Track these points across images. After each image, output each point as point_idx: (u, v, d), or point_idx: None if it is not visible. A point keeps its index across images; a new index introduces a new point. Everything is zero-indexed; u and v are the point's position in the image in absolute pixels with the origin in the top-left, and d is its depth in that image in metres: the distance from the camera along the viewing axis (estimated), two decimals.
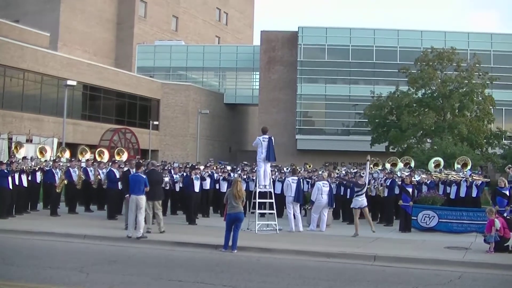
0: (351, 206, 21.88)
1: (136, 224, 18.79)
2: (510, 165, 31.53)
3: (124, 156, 32.61)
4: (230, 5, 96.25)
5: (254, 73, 73.91)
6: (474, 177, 26.82)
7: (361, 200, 21.55)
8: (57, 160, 27.16)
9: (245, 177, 28.21)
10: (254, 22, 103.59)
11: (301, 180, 23.91)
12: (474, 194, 26.30)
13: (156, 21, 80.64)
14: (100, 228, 20.65)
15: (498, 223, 17.89)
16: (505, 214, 20.02)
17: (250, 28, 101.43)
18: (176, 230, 20.84)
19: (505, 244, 17.82)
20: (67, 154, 30.98)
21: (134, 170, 21.08)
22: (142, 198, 19.01)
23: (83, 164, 28.09)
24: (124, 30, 77.44)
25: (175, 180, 26.07)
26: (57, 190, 25.33)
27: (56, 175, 25.38)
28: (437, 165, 30.77)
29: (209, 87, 74.48)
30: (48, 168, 25.81)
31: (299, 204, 22.92)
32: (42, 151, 28.76)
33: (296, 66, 66.21)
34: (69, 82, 39.38)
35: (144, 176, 19.44)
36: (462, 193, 26.39)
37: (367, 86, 61.67)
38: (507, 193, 22.57)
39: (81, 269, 13.66)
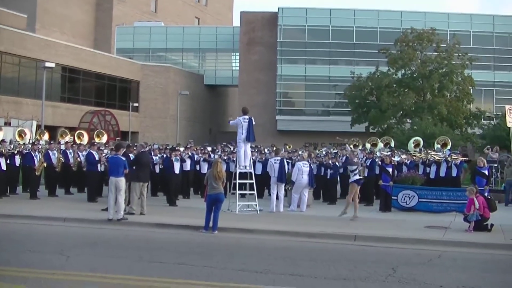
0: (351, 181, 21.25)
1: (116, 206, 18.73)
2: (489, 146, 31.83)
3: (104, 138, 32.48)
4: None
5: (234, 54, 73.72)
6: (453, 157, 26.96)
7: (359, 178, 21.39)
8: (36, 143, 26.94)
9: (225, 158, 28.19)
10: (234, 3, 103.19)
11: (284, 160, 23.90)
12: (454, 173, 26.41)
13: (135, 2, 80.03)
14: (80, 211, 20.54)
15: (477, 203, 18.02)
16: (485, 194, 20.19)
17: (229, 9, 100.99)
18: (157, 211, 20.78)
19: (484, 223, 17.96)
20: (46, 137, 30.74)
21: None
22: (122, 180, 18.92)
23: (62, 147, 27.91)
24: (103, 12, 76.79)
25: (155, 162, 25.97)
26: (36, 173, 25.10)
27: (35, 158, 25.13)
28: (417, 145, 30.89)
29: (189, 68, 74.22)
30: (27, 151, 25.57)
31: (283, 185, 22.97)
32: (21, 134, 28.49)
33: (276, 47, 66.08)
34: (47, 64, 39.00)
35: (124, 158, 19.36)
36: (442, 173, 26.49)
37: (347, 67, 61.71)
38: (486, 172, 22.84)
39: (61, 252, 13.58)
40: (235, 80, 71.11)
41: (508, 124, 17.98)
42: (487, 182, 22.71)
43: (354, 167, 21.24)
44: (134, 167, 20.19)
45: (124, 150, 20.37)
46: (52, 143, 27.87)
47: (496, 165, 29.25)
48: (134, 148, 23.56)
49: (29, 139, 29.15)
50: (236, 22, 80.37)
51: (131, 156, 21.19)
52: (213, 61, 76.25)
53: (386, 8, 75.30)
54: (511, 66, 65.74)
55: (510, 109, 18.04)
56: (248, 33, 68.59)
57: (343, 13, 67.09)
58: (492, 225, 18.00)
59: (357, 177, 21.10)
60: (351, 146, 29.89)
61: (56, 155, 26.13)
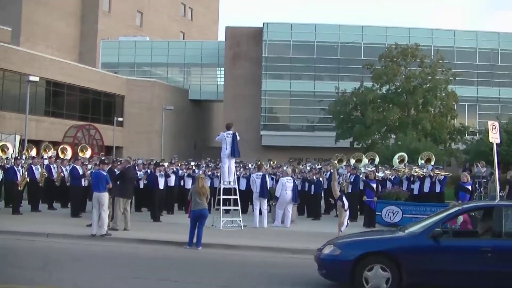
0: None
1: (100, 222, 18.64)
2: (477, 162, 32.02)
3: (88, 153, 32.42)
4: (195, 1, 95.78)
5: (219, 69, 73.65)
6: (435, 172, 27.11)
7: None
8: (18, 158, 26.80)
9: (209, 173, 28.20)
10: (219, 18, 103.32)
11: (266, 175, 23.91)
12: (437, 189, 26.55)
13: (120, 16, 79.95)
14: (64, 226, 20.42)
15: (460, 217, 18.07)
16: None
17: (215, 23, 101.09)
18: (141, 227, 20.72)
19: None
20: (33, 152, 30.61)
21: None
22: (104, 195, 18.86)
23: (46, 162, 27.78)
24: (88, 25, 76.64)
25: (139, 177, 25.90)
26: (19, 188, 25.00)
27: (18, 173, 25.01)
28: (402, 161, 31.13)
29: (174, 83, 74.12)
30: (10, 166, 25.44)
31: (265, 200, 22.97)
32: (3, 148, 28.37)
33: (261, 62, 66.15)
34: (31, 78, 38.92)
35: (106, 173, 19.30)
36: (426, 189, 26.63)
37: (331, 82, 61.80)
38: (469, 187, 22.98)
39: (44, 268, 13.53)
40: (220, 95, 71.08)
41: (491, 140, 18.02)
42: (471, 197, 22.86)
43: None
44: (118, 182, 20.15)
45: (109, 165, 20.34)
46: (35, 158, 27.70)
47: (485, 180, 29.44)
48: (119, 163, 23.50)
49: (11, 154, 28.99)
50: (221, 36, 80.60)
51: (116, 171, 21.16)
52: (198, 75, 76.17)
53: (371, 23, 75.42)
54: (495, 81, 66.22)
55: (492, 125, 18.08)
56: (233, 48, 68.67)
57: (328, 28, 67.30)
58: None
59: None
60: (336, 161, 30.02)
61: (40, 169, 25.99)
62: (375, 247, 12.20)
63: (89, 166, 26.08)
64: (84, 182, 24.82)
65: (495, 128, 18.18)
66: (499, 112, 59.57)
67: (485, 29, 70.92)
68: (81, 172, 24.67)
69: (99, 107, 63.31)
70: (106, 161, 20.64)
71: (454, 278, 11.70)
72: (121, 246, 17.53)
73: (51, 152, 30.92)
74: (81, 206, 24.85)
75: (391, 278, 11.55)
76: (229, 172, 22.13)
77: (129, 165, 21.85)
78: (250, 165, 31.33)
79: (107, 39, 75.61)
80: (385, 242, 12.51)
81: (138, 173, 25.97)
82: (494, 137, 18.02)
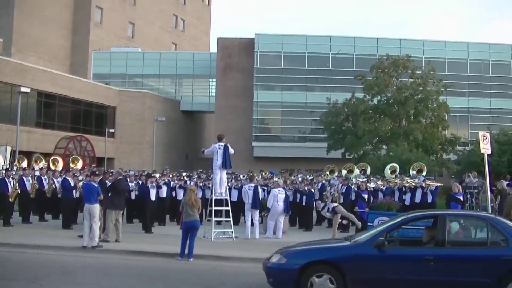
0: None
1: (91, 233, 18.59)
2: (469, 173, 32.09)
3: (79, 165, 32.33)
4: (187, 12, 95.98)
5: (211, 80, 73.80)
6: (427, 182, 27.16)
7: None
8: (9, 169, 26.71)
9: (201, 184, 28.18)
10: (211, 29, 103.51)
11: (258, 186, 23.92)
12: (429, 199, 26.58)
13: (112, 27, 79.94)
14: (55, 238, 20.34)
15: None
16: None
17: (207, 35, 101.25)
18: (132, 239, 20.67)
19: None
20: (25, 163, 30.53)
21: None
22: (96, 207, 18.81)
23: (37, 173, 27.71)
24: (80, 37, 76.55)
25: (130, 189, 25.85)
26: (10, 200, 24.90)
27: (9, 184, 24.92)
28: (393, 171, 31.18)
29: (166, 94, 74.06)
30: (1, 177, 25.33)
31: (257, 211, 22.97)
32: None
33: (252, 73, 66.20)
34: (22, 89, 38.80)
35: (97, 185, 19.26)
36: (417, 199, 26.66)
37: (323, 93, 61.80)
38: (461, 198, 23.06)
39: (35, 280, 13.47)
40: (211, 106, 71.05)
41: (482, 150, 18.09)
42: (462, 207, 22.93)
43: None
44: (109, 194, 20.12)
45: (101, 176, 20.31)
46: (27, 169, 27.62)
47: (476, 190, 29.49)
48: (111, 175, 23.46)
49: (2, 165, 28.89)
50: (213, 48, 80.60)
51: (107, 182, 21.13)
52: (189, 86, 76.19)
53: (362, 35, 75.76)
54: (486, 92, 66.55)
55: (484, 136, 18.15)
56: (225, 59, 68.76)
57: (319, 39, 67.48)
58: None
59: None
60: (328, 172, 30.10)
61: (31, 181, 25.91)
62: (320, 256, 12.35)
63: (81, 178, 26.01)
64: (76, 194, 24.77)
65: (486, 138, 18.26)
66: (490, 123, 59.75)
67: (476, 40, 71.37)
68: (72, 183, 24.65)
69: (91, 118, 63.17)
70: (97, 173, 20.58)
71: (397, 287, 11.88)
72: (113, 258, 17.47)
73: (42, 164, 30.86)
74: (73, 217, 24.78)
75: (335, 287, 11.70)
76: (220, 183, 22.13)
77: (120, 177, 21.82)
78: (242, 176, 31.34)
79: (98, 50, 75.58)
80: (330, 251, 12.68)
81: (130, 184, 25.90)
82: (485, 148, 18.10)
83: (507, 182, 25.40)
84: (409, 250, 12.60)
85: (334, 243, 13.86)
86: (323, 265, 11.99)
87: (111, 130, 60.03)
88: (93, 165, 45.18)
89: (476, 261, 11.89)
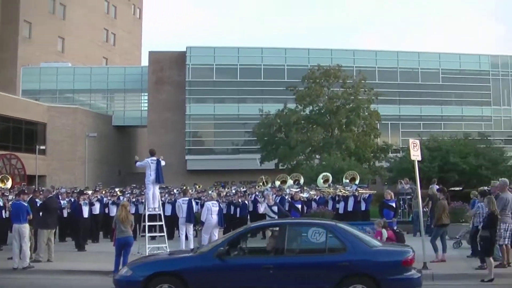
0: None
1: (21, 254, 18.25)
2: (401, 180, 32.65)
3: (9, 184, 31.69)
4: (118, 26, 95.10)
5: (143, 94, 73.37)
6: (359, 191, 27.53)
7: None
8: None
9: (134, 200, 28.00)
10: (142, 43, 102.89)
11: (192, 200, 23.88)
12: (363, 207, 26.98)
13: (41, 42, 78.40)
14: None
15: (385, 234, 18.46)
16: (394, 227, 20.66)
17: (138, 48, 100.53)
18: (65, 257, 20.41)
19: None
20: None
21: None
22: (25, 227, 18.51)
23: None
24: (8, 52, 74.98)
25: (62, 206, 25.50)
26: None
27: None
28: (326, 180, 31.48)
29: (97, 109, 73.27)
30: None
31: (191, 225, 22.91)
32: None
33: (184, 86, 66.10)
34: None
35: (26, 204, 18.94)
36: (350, 207, 27.03)
37: (255, 105, 62.05)
38: (393, 205, 23.43)
39: None
40: (144, 120, 70.61)
41: (412, 157, 18.42)
42: (395, 214, 23.29)
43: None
44: (41, 213, 19.81)
45: (30, 195, 20.00)
46: None
47: (409, 196, 29.99)
48: (41, 193, 23.10)
49: None
50: (145, 61, 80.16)
51: (38, 201, 20.80)
52: (121, 101, 75.53)
53: (293, 46, 76.45)
54: (415, 100, 67.94)
55: (413, 143, 18.48)
56: (156, 72, 68.47)
57: (251, 51, 67.88)
58: None
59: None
60: (261, 184, 30.24)
61: None
62: (163, 268, 12.86)
63: (10, 197, 25.52)
64: (5, 214, 24.28)
65: (416, 145, 18.60)
66: (421, 130, 60.99)
67: (405, 49, 72.66)
68: (1, 203, 24.14)
69: (21, 135, 62.01)
70: (26, 191, 20.26)
71: None
72: (45, 278, 17.22)
73: None
74: (2, 238, 24.28)
75: None
76: (153, 198, 22.04)
77: (51, 195, 21.51)
78: (175, 190, 31.24)
79: (27, 65, 74.28)
80: (174, 263, 13.12)
81: (62, 202, 25.58)
82: (415, 155, 18.43)
83: (437, 187, 25.86)
84: (250, 259, 13.03)
85: (180, 254, 14.41)
86: (167, 276, 12.45)
87: (42, 147, 59.16)
88: (23, 183, 44.42)
89: (314, 267, 12.34)
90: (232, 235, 13.47)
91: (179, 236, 23.24)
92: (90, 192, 27.57)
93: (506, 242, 16.97)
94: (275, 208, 21.68)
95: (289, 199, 25.97)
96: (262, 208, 21.66)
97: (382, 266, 12.24)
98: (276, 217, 21.43)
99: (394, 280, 12.10)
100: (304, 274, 12.26)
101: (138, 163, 22.96)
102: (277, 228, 13.49)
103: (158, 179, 21.82)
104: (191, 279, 12.20)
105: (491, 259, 15.45)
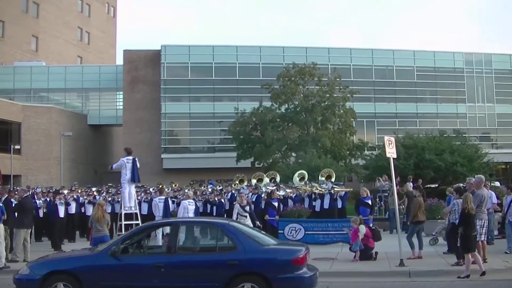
0: None
1: None
2: (379, 177, 32.86)
3: None
4: (92, 25, 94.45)
5: (118, 93, 73.14)
6: (335, 189, 27.66)
7: None
8: None
9: (110, 199, 27.93)
10: (117, 42, 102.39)
11: (168, 199, 23.90)
12: (339, 205, 27.11)
13: (15, 41, 77.74)
14: None
15: (363, 230, 18.63)
16: (370, 224, 20.80)
17: (112, 47, 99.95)
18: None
19: (369, 253, 18.58)
20: None
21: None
22: (0, 227, 18.43)
23: None
24: None
25: (38, 206, 25.39)
26: None
27: None
28: (302, 178, 31.50)
29: (72, 108, 72.86)
30: None
31: None
32: None
33: (159, 84, 65.98)
34: None
35: (1, 204, 18.87)
36: (326, 205, 27.15)
37: (231, 103, 62.06)
38: (369, 202, 23.62)
39: None
40: (119, 119, 70.34)
41: (388, 155, 18.52)
42: (371, 211, 23.47)
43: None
44: (16, 213, 19.73)
45: (5, 195, 19.91)
46: None
47: (386, 194, 30.15)
48: (16, 193, 23.00)
49: None
50: (119, 60, 79.84)
51: (13, 201, 20.71)
52: (96, 100, 75.22)
53: (268, 44, 76.56)
54: (390, 97, 68.45)
55: (389, 140, 18.57)
56: (131, 71, 68.27)
57: (226, 49, 67.92)
58: (376, 253, 18.68)
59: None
60: (237, 181, 30.28)
61: None
62: (59, 266, 13.01)
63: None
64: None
65: (391, 143, 18.70)
66: (397, 127, 61.47)
67: (380, 47, 73.18)
68: None
69: None
70: (1, 191, 20.18)
71: None
72: None
73: None
74: None
75: None
76: (129, 197, 22.07)
77: (26, 195, 21.42)
78: (151, 189, 31.18)
79: (1, 64, 73.70)
80: (70, 262, 13.29)
81: (37, 201, 25.48)
82: (391, 152, 18.53)
83: (413, 185, 26.07)
84: (143, 258, 13.14)
85: (77, 253, 14.51)
86: (62, 274, 12.62)
87: (17, 147, 58.73)
88: None
89: (205, 266, 12.53)
90: (126, 234, 13.77)
91: (156, 235, 23.26)
92: (66, 191, 27.49)
93: (483, 239, 17.15)
94: (248, 208, 21.70)
95: (265, 197, 26.04)
96: (235, 210, 21.72)
97: (272, 264, 12.41)
98: (248, 216, 21.40)
99: (284, 278, 12.24)
100: (194, 273, 12.42)
101: (113, 165, 22.98)
102: (170, 227, 13.62)
103: (134, 178, 21.85)
104: (84, 278, 12.40)
105: (469, 255, 15.56)
